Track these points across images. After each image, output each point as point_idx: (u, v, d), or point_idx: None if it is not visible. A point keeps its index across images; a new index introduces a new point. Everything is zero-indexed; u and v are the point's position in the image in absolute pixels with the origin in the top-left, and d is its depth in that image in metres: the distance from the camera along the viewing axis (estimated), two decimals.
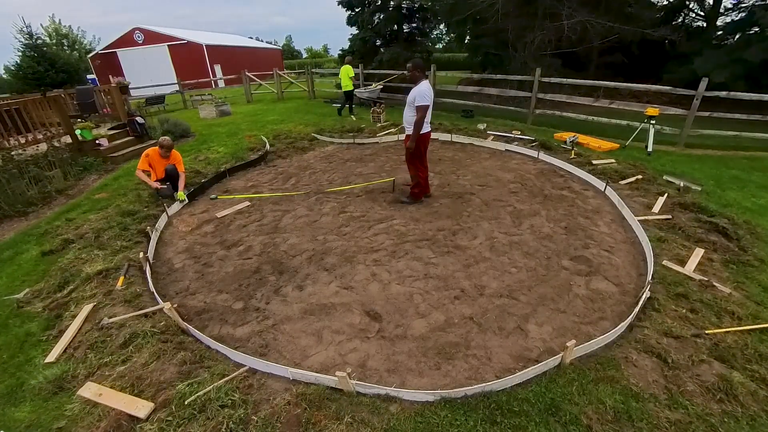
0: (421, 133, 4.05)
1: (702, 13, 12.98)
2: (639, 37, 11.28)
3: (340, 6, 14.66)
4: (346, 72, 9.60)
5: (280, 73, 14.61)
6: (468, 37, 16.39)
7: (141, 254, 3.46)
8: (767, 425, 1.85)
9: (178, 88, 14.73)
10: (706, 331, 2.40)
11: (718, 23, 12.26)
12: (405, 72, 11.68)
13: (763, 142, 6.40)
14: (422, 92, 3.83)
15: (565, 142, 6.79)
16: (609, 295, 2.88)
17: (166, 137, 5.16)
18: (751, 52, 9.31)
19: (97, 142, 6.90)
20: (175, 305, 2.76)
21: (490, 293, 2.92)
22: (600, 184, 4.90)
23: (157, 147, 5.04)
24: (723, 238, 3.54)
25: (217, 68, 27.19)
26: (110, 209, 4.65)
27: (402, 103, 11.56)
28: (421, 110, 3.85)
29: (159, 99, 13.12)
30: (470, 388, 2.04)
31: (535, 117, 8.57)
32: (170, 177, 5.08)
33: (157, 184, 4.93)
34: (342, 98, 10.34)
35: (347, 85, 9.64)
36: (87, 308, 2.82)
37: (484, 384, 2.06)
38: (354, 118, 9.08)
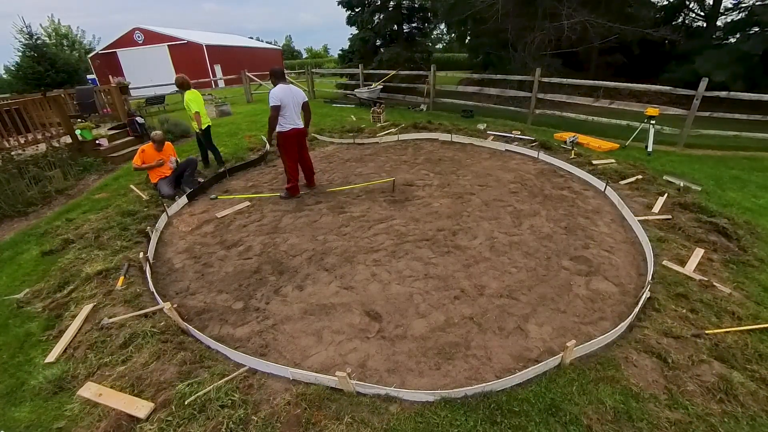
0: (283, 130, 4.53)
1: (702, 13, 12.98)
2: (639, 37, 11.28)
3: (340, 6, 14.65)
4: None
5: None
6: (468, 37, 16.38)
7: (141, 254, 3.46)
8: (767, 425, 1.85)
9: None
10: (706, 331, 2.39)
11: (718, 23, 12.26)
12: (403, 71, 11.77)
13: (764, 142, 6.41)
14: (272, 93, 4.35)
15: (565, 142, 6.79)
16: (609, 295, 2.88)
17: (157, 131, 5.30)
18: (751, 44, 9.31)
19: (97, 142, 6.90)
20: (175, 305, 2.76)
21: (490, 293, 2.92)
22: (600, 184, 4.90)
23: (150, 143, 5.15)
24: (723, 238, 3.54)
25: (217, 68, 27.18)
26: (110, 209, 4.65)
27: (402, 103, 11.65)
28: (272, 110, 4.37)
29: (159, 99, 13.12)
30: (470, 388, 2.04)
31: (535, 117, 8.57)
32: (179, 175, 5.15)
33: (158, 162, 5.08)
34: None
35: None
36: (87, 308, 2.82)
37: (484, 384, 2.06)
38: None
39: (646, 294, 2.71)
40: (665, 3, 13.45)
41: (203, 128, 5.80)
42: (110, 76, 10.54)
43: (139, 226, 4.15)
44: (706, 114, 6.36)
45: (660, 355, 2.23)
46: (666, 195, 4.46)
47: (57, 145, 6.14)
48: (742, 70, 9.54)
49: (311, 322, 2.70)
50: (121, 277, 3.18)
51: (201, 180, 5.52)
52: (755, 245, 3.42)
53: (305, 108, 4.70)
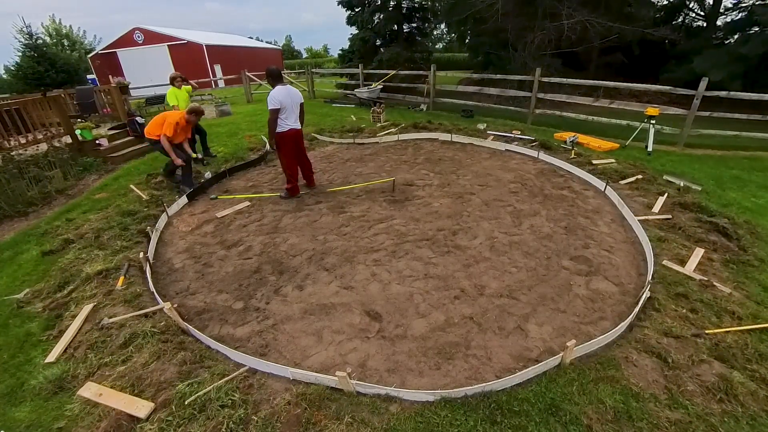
0: (281, 131, 4.52)
1: (702, 13, 12.98)
2: (639, 37, 11.28)
3: (340, 6, 14.64)
4: None
5: None
6: (468, 37, 16.37)
7: (141, 254, 3.46)
8: (767, 425, 1.85)
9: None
10: (706, 331, 2.40)
11: (718, 23, 12.26)
12: (403, 71, 11.76)
13: (764, 141, 6.40)
14: (271, 96, 4.34)
15: (565, 142, 6.79)
16: (609, 294, 2.88)
17: (196, 105, 5.23)
18: (749, 47, 9.32)
19: (97, 142, 6.90)
20: (175, 305, 2.76)
21: (490, 293, 2.92)
22: (600, 184, 4.90)
23: (185, 116, 4.96)
24: (723, 238, 3.54)
25: (217, 68, 27.17)
26: (110, 209, 4.65)
27: (402, 103, 11.65)
28: (271, 113, 4.37)
29: (159, 99, 13.11)
30: (470, 388, 2.04)
31: (535, 117, 8.57)
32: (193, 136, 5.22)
33: (179, 162, 5.00)
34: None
35: None
36: (87, 308, 2.82)
37: (484, 384, 2.06)
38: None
39: (646, 294, 2.71)
40: (665, 3, 13.46)
41: None
42: (110, 76, 10.54)
43: (139, 226, 4.15)
44: (706, 114, 6.36)
45: (660, 355, 2.23)
46: (666, 195, 4.46)
47: (58, 145, 6.14)
48: (740, 70, 9.54)
49: (311, 322, 2.70)
50: (121, 277, 3.18)
51: (209, 174, 5.66)
52: (755, 245, 3.42)
53: (300, 109, 4.71)
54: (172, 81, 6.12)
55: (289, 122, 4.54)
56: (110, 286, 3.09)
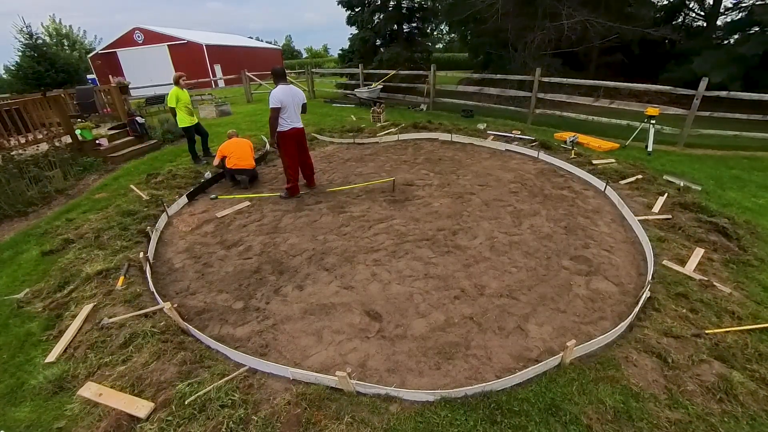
0: (282, 130, 4.56)
1: (702, 13, 12.98)
2: (639, 37, 11.28)
3: (340, 6, 14.64)
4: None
5: None
6: (469, 37, 16.38)
7: (141, 254, 3.46)
8: (767, 425, 1.85)
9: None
10: (706, 331, 2.40)
11: (718, 23, 12.26)
12: (403, 71, 11.76)
13: (764, 141, 6.40)
14: (272, 95, 4.39)
15: (565, 142, 6.79)
16: (609, 294, 2.88)
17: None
18: (748, 46, 9.31)
19: (97, 142, 6.90)
20: (175, 305, 2.76)
21: (490, 293, 2.92)
22: (600, 184, 4.90)
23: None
24: (723, 238, 3.53)
25: (217, 68, 27.17)
26: (110, 209, 4.65)
27: (402, 103, 11.64)
28: (272, 111, 4.42)
29: (159, 99, 13.11)
30: (470, 387, 2.04)
31: (535, 117, 8.57)
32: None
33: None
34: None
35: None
36: (87, 308, 2.82)
37: (484, 384, 2.06)
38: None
39: (646, 294, 2.71)
40: (665, 2, 13.45)
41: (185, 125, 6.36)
42: (110, 76, 10.53)
43: (139, 226, 4.15)
44: (706, 114, 6.36)
45: (660, 355, 2.23)
46: (666, 195, 4.45)
47: (58, 144, 6.14)
48: (740, 71, 9.52)
49: (311, 321, 2.70)
50: (121, 277, 3.18)
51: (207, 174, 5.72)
52: (755, 245, 3.42)
53: (302, 109, 4.73)
54: (177, 81, 6.14)
55: (290, 121, 4.55)
56: (110, 286, 3.09)
